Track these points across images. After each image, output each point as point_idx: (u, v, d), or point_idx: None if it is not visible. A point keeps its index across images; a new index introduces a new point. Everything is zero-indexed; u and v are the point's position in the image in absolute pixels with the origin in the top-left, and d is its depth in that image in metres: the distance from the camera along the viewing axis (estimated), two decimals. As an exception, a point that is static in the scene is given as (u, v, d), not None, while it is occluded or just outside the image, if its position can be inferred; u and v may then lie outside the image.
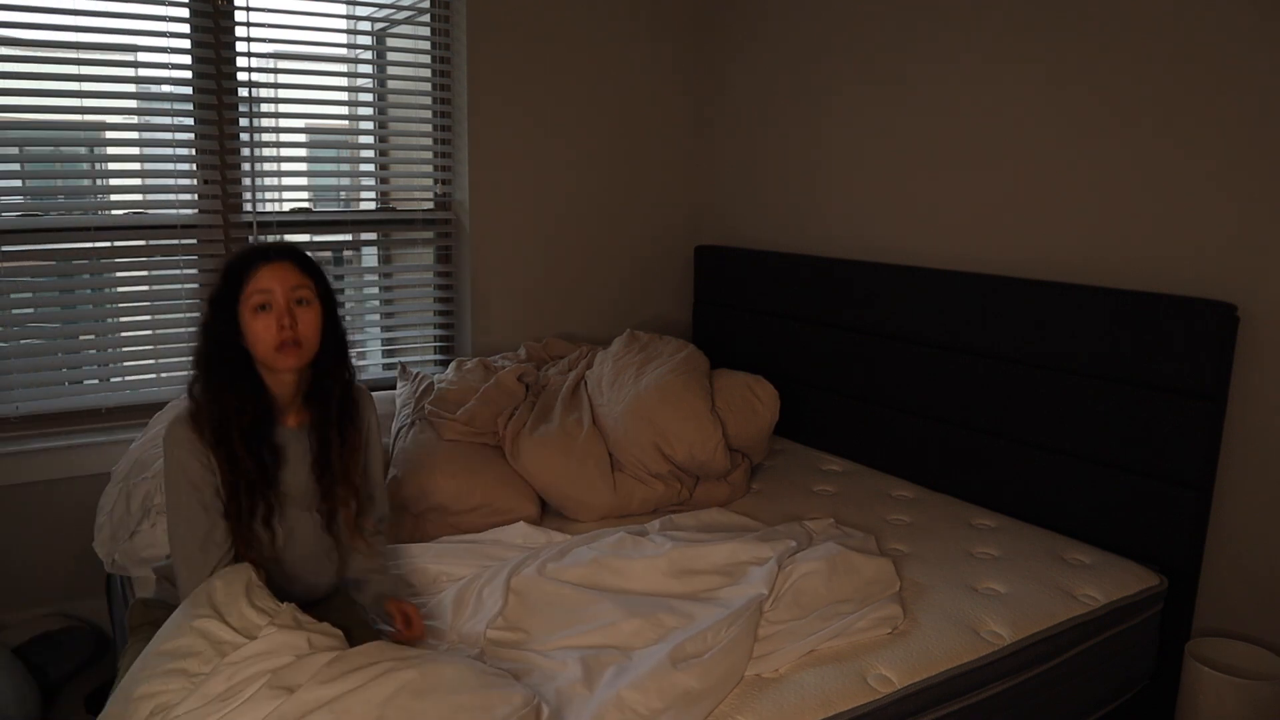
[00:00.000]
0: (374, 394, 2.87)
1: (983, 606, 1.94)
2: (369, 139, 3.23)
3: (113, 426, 2.71)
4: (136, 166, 2.75)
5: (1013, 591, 2.01)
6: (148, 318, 2.79)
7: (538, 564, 1.98)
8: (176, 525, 1.62)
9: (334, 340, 1.69)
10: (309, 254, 1.68)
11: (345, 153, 3.32)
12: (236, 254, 1.66)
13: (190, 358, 1.66)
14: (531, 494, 2.45)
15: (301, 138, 3.14)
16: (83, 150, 2.78)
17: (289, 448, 1.68)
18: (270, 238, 2.89)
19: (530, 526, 2.30)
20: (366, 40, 3.21)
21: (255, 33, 2.78)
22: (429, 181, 3.23)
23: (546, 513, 2.48)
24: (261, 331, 1.59)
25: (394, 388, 2.93)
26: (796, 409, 3.06)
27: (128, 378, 2.77)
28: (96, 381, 2.80)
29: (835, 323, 2.94)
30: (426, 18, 3.12)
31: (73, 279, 2.74)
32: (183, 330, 2.80)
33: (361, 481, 1.77)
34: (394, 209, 3.21)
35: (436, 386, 2.70)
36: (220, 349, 1.61)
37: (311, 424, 1.70)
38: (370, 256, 3.36)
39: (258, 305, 1.59)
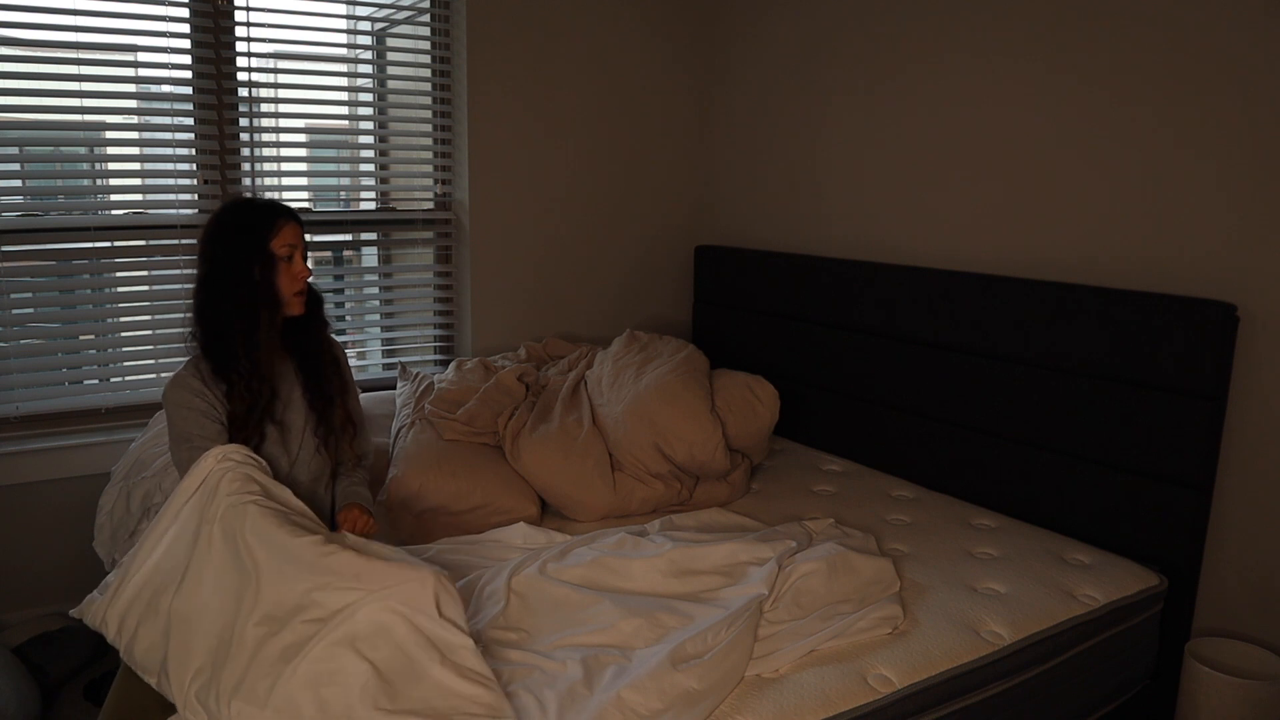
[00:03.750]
0: (374, 394, 2.90)
1: (983, 606, 1.94)
2: (369, 139, 3.23)
3: (113, 426, 2.71)
4: (136, 166, 2.75)
5: (1013, 591, 2.01)
6: (148, 318, 2.79)
7: (538, 564, 1.98)
8: (180, 460, 1.79)
9: (310, 290, 1.96)
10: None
11: (345, 153, 3.32)
12: (249, 202, 1.87)
13: (217, 300, 1.82)
14: (531, 494, 2.45)
15: (301, 138, 3.14)
16: (83, 150, 2.78)
17: (280, 382, 1.91)
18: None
19: (530, 527, 2.29)
20: (366, 40, 3.21)
21: (255, 33, 2.78)
22: (429, 181, 3.23)
23: (546, 513, 2.48)
24: (285, 277, 1.84)
25: (394, 388, 2.93)
26: (796, 409, 3.06)
27: (128, 378, 2.77)
28: (96, 381, 2.80)
29: (835, 323, 2.94)
30: (426, 18, 3.12)
31: (73, 279, 2.74)
32: (183, 330, 2.79)
33: (347, 411, 2.03)
34: (394, 209, 3.21)
35: (436, 386, 2.70)
36: (253, 283, 1.80)
37: (299, 361, 1.94)
38: (370, 256, 3.36)
39: (283, 256, 1.83)
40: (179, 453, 1.80)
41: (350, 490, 2.01)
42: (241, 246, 1.81)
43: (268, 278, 1.81)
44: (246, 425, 1.82)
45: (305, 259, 1.90)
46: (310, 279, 1.90)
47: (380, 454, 2.52)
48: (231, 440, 1.81)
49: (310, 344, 1.95)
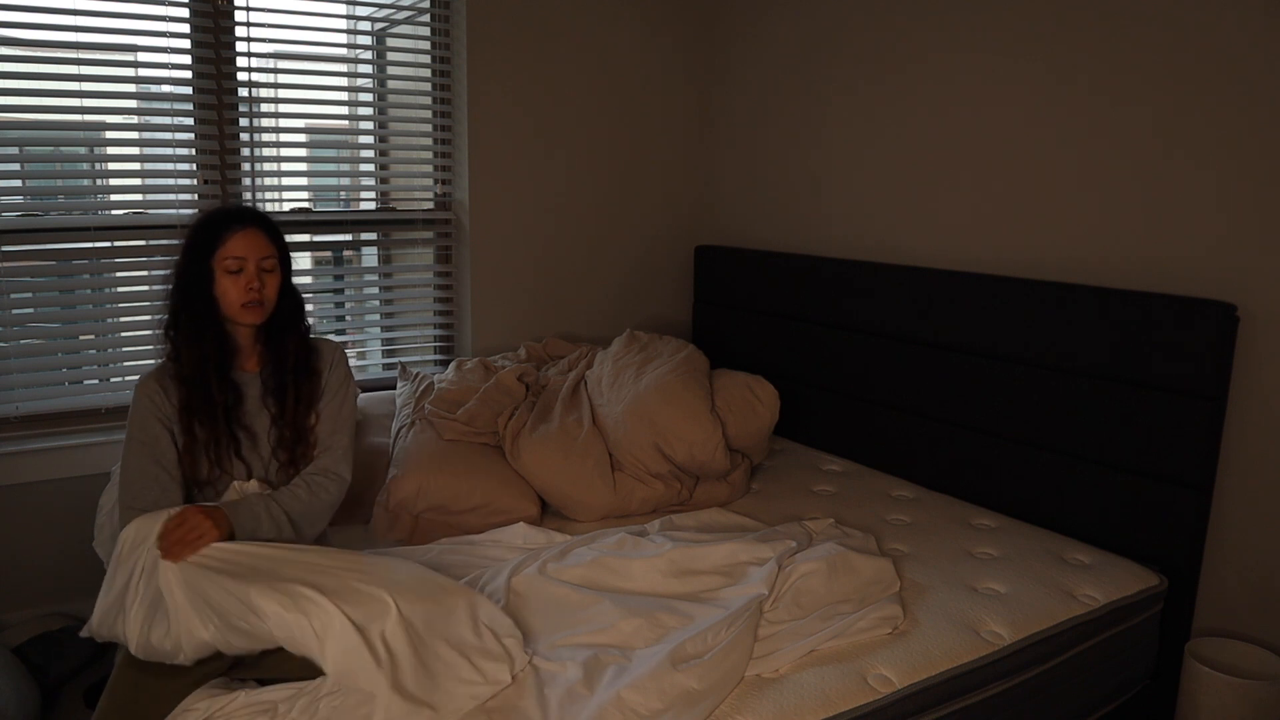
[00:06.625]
0: (374, 394, 2.89)
1: (983, 606, 1.94)
2: (369, 139, 3.22)
3: (113, 426, 2.71)
4: (136, 166, 2.75)
5: (1013, 591, 2.01)
6: (148, 318, 2.79)
7: (538, 564, 1.98)
8: (128, 470, 1.78)
9: (289, 298, 1.92)
10: (273, 220, 1.89)
11: (345, 153, 3.32)
12: (208, 214, 1.85)
13: (164, 310, 1.84)
14: (531, 494, 2.45)
15: (301, 138, 3.14)
16: (83, 150, 2.78)
17: (247, 388, 1.89)
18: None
19: (530, 527, 2.30)
20: (366, 40, 3.21)
21: (255, 33, 2.78)
22: (429, 181, 3.23)
23: (546, 513, 2.48)
24: (231, 290, 1.81)
25: (394, 388, 2.93)
26: (796, 409, 3.06)
27: (128, 378, 2.77)
28: (96, 381, 2.80)
29: (835, 323, 2.94)
30: (426, 18, 3.12)
31: (73, 279, 2.74)
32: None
33: (315, 426, 1.92)
34: (394, 209, 3.21)
35: (436, 386, 2.70)
36: (192, 298, 1.81)
37: (270, 371, 1.90)
38: (370, 256, 3.36)
39: (229, 269, 1.80)
40: (125, 448, 1.82)
41: (254, 500, 1.77)
42: (188, 260, 1.82)
43: (209, 291, 1.80)
44: (201, 426, 1.81)
45: (274, 268, 1.84)
46: (256, 289, 1.81)
47: (380, 454, 2.52)
48: (202, 443, 1.81)
49: (278, 352, 1.90)
